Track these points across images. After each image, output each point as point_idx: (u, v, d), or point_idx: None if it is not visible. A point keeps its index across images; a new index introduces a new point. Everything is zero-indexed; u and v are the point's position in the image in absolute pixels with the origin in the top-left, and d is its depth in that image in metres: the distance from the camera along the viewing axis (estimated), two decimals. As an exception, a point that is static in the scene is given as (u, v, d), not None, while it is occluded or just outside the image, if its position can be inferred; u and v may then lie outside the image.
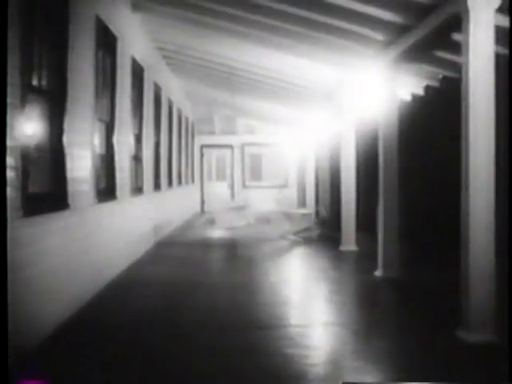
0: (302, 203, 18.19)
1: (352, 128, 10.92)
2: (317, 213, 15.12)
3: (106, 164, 7.83)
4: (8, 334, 3.11)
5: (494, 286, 4.94)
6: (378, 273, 8.00)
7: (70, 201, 5.78)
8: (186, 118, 18.59)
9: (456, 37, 6.38)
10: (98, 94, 7.11)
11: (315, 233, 12.99)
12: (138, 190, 9.95)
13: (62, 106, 5.67)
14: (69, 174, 5.80)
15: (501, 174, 5.08)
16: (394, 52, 7.39)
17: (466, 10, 4.96)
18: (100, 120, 7.46)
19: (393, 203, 7.93)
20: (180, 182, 16.50)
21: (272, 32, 8.32)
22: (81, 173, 6.39)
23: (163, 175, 12.95)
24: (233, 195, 22.00)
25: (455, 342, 4.90)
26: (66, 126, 5.71)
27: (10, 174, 4.27)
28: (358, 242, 10.81)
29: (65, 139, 5.69)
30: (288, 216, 14.37)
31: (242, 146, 22.16)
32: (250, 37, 8.92)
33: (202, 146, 22.06)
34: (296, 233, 12.82)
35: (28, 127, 4.87)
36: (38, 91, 5.23)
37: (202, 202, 21.91)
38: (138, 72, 9.95)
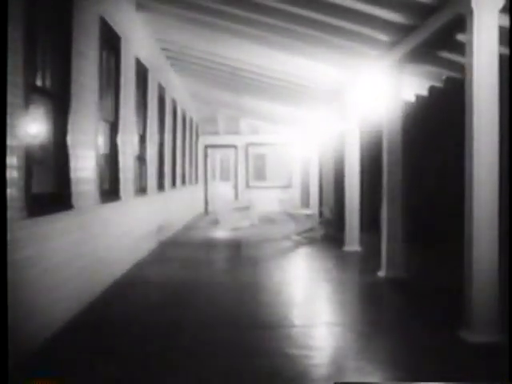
0: (306, 203, 18.18)
1: (356, 128, 10.90)
2: (320, 213, 15.11)
3: (110, 164, 7.85)
4: (8, 334, 3.11)
5: (496, 287, 4.94)
6: (382, 273, 8.00)
7: (73, 201, 5.80)
8: (190, 119, 18.60)
9: (460, 37, 6.38)
10: (102, 95, 7.12)
11: (319, 233, 12.98)
12: (141, 190, 9.97)
13: (66, 106, 5.69)
14: (73, 174, 5.81)
15: (502, 172, 5.07)
16: (398, 52, 7.39)
17: (470, 11, 4.96)
18: (104, 120, 7.48)
19: (396, 204, 7.93)
20: (184, 183, 16.52)
21: (276, 32, 8.33)
22: (85, 173, 6.40)
23: (167, 175, 12.96)
24: (237, 195, 22.00)
25: (457, 342, 4.90)
26: (70, 126, 5.73)
27: (13, 174, 4.28)
28: (361, 243, 10.81)
29: (69, 139, 5.71)
30: (292, 216, 14.37)
31: (246, 146, 22.16)
32: (255, 37, 8.93)
33: (206, 146, 22.05)
34: (300, 233, 12.82)
35: (32, 127, 4.88)
36: (42, 91, 5.24)
37: (206, 202, 21.88)
38: (142, 72, 9.96)
